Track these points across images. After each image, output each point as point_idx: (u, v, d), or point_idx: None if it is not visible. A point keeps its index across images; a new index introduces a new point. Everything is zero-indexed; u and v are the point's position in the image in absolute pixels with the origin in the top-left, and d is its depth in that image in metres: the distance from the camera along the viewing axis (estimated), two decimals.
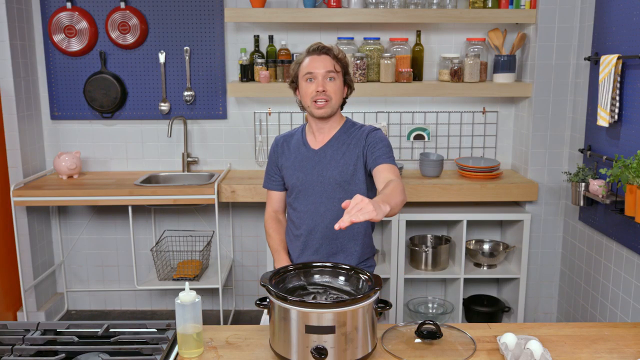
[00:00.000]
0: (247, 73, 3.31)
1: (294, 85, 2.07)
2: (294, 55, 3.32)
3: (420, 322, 1.60)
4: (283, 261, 2.08)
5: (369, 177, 2.02)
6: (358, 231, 2.06)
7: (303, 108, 2.07)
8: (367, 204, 1.44)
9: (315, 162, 2.04)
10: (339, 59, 2.01)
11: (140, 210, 3.58)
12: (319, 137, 2.07)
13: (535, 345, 1.45)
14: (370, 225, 2.13)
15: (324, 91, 1.96)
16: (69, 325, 1.62)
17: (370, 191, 2.05)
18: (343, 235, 2.04)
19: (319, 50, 2.00)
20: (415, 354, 1.51)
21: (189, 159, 3.53)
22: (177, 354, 1.51)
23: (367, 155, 1.99)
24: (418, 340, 1.57)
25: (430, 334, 1.55)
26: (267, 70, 3.28)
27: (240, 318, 3.65)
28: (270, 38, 3.38)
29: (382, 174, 1.89)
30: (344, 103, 2.08)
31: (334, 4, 3.16)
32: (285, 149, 2.12)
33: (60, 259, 3.68)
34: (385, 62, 3.20)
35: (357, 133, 2.04)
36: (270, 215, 2.20)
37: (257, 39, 3.35)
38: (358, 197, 1.46)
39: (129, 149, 3.58)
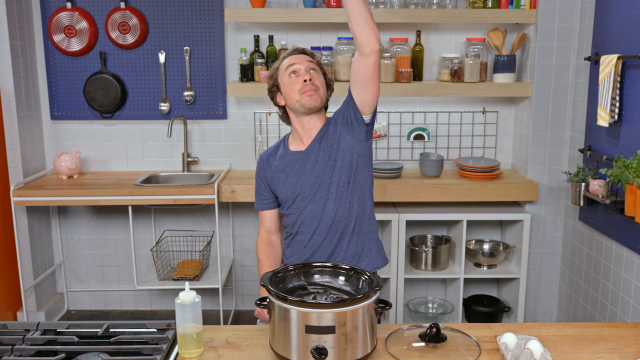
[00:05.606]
0: (247, 73, 3.31)
1: (275, 90, 2.02)
2: None
3: (426, 325, 1.58)
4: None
5: (367, 148, 1.97)
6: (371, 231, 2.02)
7: (283, 117, 2.04)
8: None
9: (305, 162, 1.96)
10: (315, 58, 2.00)
11: (140, 210, 3.58)
12: (305, 139, 1.99)
13: (535, 345, 1.45)
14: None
15: (310, 79, 1.92)
16: (69, 325, 1.62)
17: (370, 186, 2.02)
18: (358, 237, 1.98)
19: (295, 51, 2.00)
20: (415, 354, 1.50)
21: (189, 159, 3.53)
22: (177, 354, 1.51)
23: (345, 107, 1.93)
24: (421, 343, 1.55)
25: (433, 338, 1.53)
26: (267, 70, 3.28)
27: (240, 318, 3.65)
28: (270, 38, 3.38)
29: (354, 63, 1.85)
30: (326, 107, 2.03)
31: (334, 4, 3.16)
32: (271, 162, 2.04)
33: (60, 259, 3.68)
34: (385, 62, 3.20)
35: (330, 118, 2.01)
36: (262, 239, 2.13)
37: (257, 39, 3.35)
38: None
39: (129, 149, 3.58)
